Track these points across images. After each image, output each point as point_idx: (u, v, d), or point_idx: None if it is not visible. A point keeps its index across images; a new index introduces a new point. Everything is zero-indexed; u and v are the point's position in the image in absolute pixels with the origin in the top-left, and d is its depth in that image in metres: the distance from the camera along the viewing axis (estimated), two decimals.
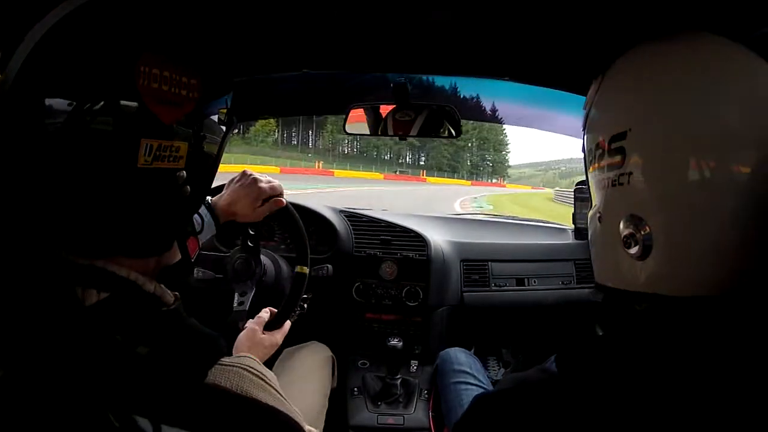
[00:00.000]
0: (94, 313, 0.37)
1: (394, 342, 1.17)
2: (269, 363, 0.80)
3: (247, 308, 0.93)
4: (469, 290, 1.37)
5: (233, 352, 0.78)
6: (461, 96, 1.32)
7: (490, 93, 1.41)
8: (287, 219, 0.90)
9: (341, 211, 1.42)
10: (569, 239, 1.54)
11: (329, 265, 1.15)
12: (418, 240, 1.36)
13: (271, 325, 0.86)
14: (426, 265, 1.33)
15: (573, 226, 1.51)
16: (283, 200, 0.85)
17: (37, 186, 0.36)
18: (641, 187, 0.41)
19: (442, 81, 1.19)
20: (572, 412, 0.40)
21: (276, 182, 0.85)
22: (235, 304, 0.94)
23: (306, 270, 0.90)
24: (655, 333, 0.42)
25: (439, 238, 1.42)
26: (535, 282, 1.39)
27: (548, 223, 1.78)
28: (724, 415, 0.35)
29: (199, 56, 0.42)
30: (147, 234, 0.42)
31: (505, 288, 1.38)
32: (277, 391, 0.43)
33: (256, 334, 0.82)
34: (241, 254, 1.00)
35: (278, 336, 0.85)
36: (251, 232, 1.01)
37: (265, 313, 0.88)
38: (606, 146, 0.44)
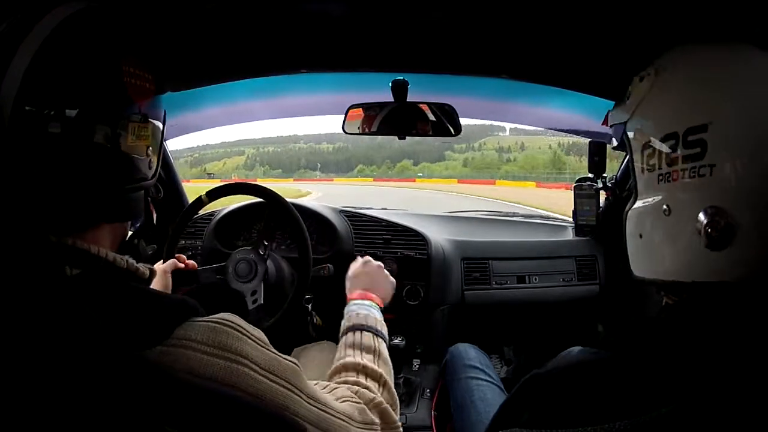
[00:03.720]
0: (66, 289, 0.39)
1: (396, 341, 1.16)
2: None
3: (262, 302, 0.96)
4: (470, 288, 1.37)
5: (347, 284, 0.81)
6: (461, 94, 1.31)
7: (489, 91, 1.41)
8: (288, 218, 0.93)
9: (341, 211, 1.42)
10: (570, 236, 1.54)
11: (330, 265, 1.14)
12: (418, 239, 1.36)
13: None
14: (426, 264, 1.33)
15: (574, 222, 1.51)
16: None
17: (31, 173, 0.39)
18: (726, 179, 0.42)
19: (441, 79, 1.19)
20: (629, 391, 0.40)
21: None
22: (249, 306, 0.95)
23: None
24: (718, 318, 0.42)
25: (439, 236, 1.42)
26: (536, 279, 1.39)
27: (549, 220, 1.78)
28: None
29: (153, 54, 0.50)
30: (130, 199, 0.49)
31: (506, 286, 1.38)
32: (260, 344, 0.44)
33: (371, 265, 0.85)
34: (244, 255, 1.00)
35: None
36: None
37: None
38: (680, 138, 0.44)
